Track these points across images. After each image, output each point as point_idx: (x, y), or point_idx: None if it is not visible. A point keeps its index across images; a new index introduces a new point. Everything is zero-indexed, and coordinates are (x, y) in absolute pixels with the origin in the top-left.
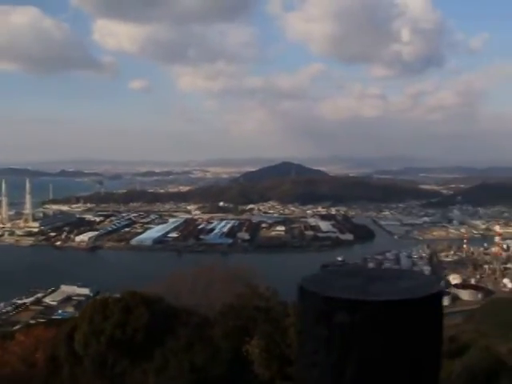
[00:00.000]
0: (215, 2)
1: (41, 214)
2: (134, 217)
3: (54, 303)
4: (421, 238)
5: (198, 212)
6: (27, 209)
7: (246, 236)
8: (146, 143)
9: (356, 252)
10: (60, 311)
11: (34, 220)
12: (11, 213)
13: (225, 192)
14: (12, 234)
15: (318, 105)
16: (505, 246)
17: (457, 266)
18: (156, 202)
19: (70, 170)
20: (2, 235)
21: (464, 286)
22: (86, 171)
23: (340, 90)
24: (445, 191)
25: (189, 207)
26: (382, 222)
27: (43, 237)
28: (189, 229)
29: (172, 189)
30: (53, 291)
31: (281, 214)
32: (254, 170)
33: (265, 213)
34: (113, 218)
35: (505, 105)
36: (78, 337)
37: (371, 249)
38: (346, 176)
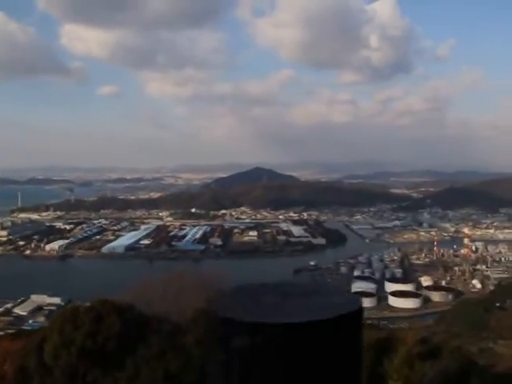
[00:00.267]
0: (184, 7)
1: (9, 223)
2: (105, 224)
3: (24, 313)
4: (392, 241)
5: (169, 218)
6: None
7: (219, 242)
8: (117, 150)
9: (328, 256)
10: (30, 321)
11: (3, 229)
12: None
13: (196, 198)
14: None
15: (288, 110)
16: (474, 248)
17: (428, 269)
18: (127, 209)
19: (39, 177)
20: None
21: (435, 287)
22: (55, 178)
23: (310, 95)
24: (415, 195)
25: (160, 214)
26: (354, 226)
27: (12, 246)
28: (161, 235)
29: (143, 195)
30: (22, 301)
31: (253, 219)
32: (225, 175)
33: (237, 218)
34: (83, 226)
35: (471, 111)
36: (47, 348)
37: (343, 253)
38: (318, 181)
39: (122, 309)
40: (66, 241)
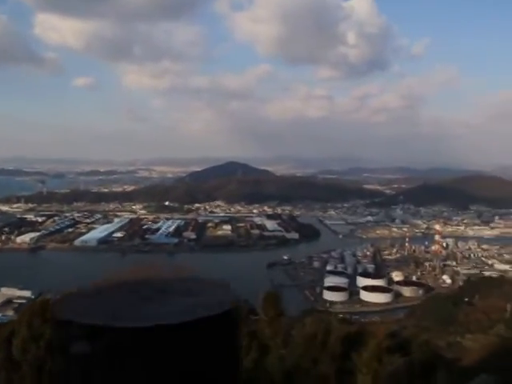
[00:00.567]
0: None
1: None
2: (77, 217)
3: None
4: (365, 236)
5: (143, 212)
6: None
7: (192, 235)
8: (91, 142)
9: (302, 251)
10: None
11: None
12: None
13: (171, 191)
14: None
15: (264, 105)
16: (444, 244)
17: (399, 264)
18: (100, 202)
19: (10, 168)
20: None
21: (406, 282)
22: (27, 170)
23: (286, 90)
24: (388, 191)
25: (134, 207)
26: (328, 222)
27: None
28: (134, 228)
29: (117, 188)
30: None
31: (227, 213)
32: (200, 169)
33: (211, 212)
34: (56, 219)
35: (445, 109)
36: (16, 342)
37: (317, 247)
38: (292, 176)
39: None
40: (38, 233)
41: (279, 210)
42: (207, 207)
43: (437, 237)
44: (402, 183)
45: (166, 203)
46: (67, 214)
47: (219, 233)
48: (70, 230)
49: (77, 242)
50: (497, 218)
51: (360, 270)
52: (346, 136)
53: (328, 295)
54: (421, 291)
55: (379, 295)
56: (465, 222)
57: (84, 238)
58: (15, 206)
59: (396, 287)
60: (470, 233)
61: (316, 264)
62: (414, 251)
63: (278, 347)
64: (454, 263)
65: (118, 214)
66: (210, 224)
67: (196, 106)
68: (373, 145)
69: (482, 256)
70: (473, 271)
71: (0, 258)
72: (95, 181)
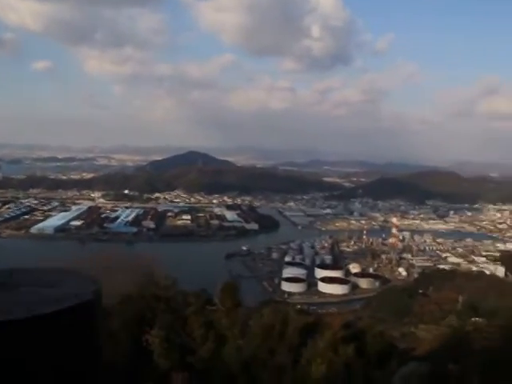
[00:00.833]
0: None
1: None
2: (34, 204)
3: None
4: (324, 228)
5: (102, 200)
6: None
7: (152, 225)
8: (49, 127)
9: (261, 241)
10: None
11: None
12: None
13: (130, 180)
14: None
15: (227, 95)
16: (401, 237)
17: (356, 256)
18: (58, 189)
19: None
20: None
21: (363, 274)
22: None
23: (250, 81)
24: (347, 184)
25: (92, 195)
26: (287, 213)
27: None
28: (92, 217)
29: (75, 175)
30: None
31: (187, 203)
32: (160, 158)
33: (171, 202)
34: (11, 205)
35: (405, 104)
36: None
37: (276, 238)
38: (253, 167)
39: None
40: None
41: (239, 201)
42: (167, 197)
43: (394, 230)
44: (361, 177)
45: (126, 192)
46: (23, 201)
47: (179, 222)
48: (26, 217)
49: (33, 230)
50: (452, 212)
51: (318, 262)
52: (308, 128)
53: (286, 286)
54: (377, 283)
55: (337, 286)
56: (421, 216)
57: (40, 225)
58: None
59: (353, 279)
60: (426, 227)
61: (275, 255)
62: (372, 244)
63: (235, 337)
64: (410, 256)
65: (76, 201)
66: (169, 214)
67: (158, 95)
68: (333, 138)
69: (437, 249)
70: (427, 264)
71: None
72: (53, 167)
